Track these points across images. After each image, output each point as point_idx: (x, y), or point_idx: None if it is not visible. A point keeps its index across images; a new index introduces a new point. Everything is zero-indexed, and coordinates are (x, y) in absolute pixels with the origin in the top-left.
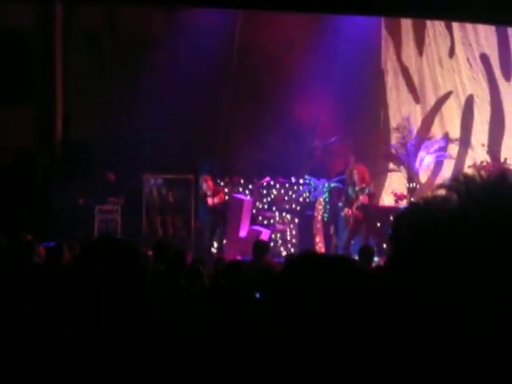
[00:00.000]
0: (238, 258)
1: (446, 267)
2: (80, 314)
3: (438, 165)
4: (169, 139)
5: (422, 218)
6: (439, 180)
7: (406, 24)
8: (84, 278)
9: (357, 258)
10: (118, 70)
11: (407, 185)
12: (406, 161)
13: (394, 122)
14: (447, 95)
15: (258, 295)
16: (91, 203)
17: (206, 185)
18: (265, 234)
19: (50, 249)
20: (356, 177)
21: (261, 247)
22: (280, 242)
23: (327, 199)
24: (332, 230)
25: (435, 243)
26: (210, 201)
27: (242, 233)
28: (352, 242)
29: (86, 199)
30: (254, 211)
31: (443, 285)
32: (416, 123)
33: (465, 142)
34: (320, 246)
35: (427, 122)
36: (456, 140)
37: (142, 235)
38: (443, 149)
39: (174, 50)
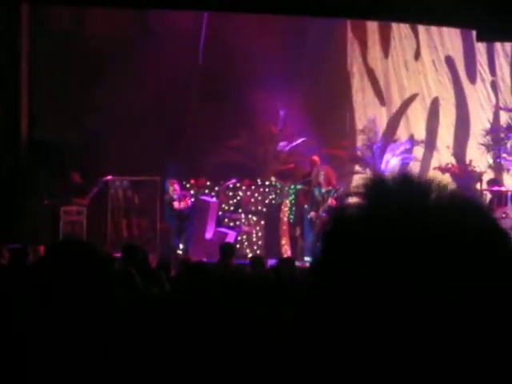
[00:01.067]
0: (204, 259)
1: (357, 275)
2: (42, 319)
3: (404, 167)
4: (135, 140)
5: (335, 225)
6: None
7: (372, 26)
8: (47, 282)
9: None
10: (84, 71)
11: None
12: (372, 163)
13: (359, 125)
14: (413, 97)
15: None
16: (56, 204)
17: (172, 188)
18: (230, 236)
19: (15, 251)
20: (322, 178)
21: (227, 249)
22: (246, 243)
23: (293, 201)
24: (298, 231)
25: (348, 250)
26: (176, 204)
27: (208, 235)
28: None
29: (51, 200)
30: (220, 213)
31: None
32: (382, 125)
33: (430, 144)
34: (286, 248)
35: (393, 124)
36: (421, 142)
37: (108, 237)
38: (409, 151)
39: (141, 51)
